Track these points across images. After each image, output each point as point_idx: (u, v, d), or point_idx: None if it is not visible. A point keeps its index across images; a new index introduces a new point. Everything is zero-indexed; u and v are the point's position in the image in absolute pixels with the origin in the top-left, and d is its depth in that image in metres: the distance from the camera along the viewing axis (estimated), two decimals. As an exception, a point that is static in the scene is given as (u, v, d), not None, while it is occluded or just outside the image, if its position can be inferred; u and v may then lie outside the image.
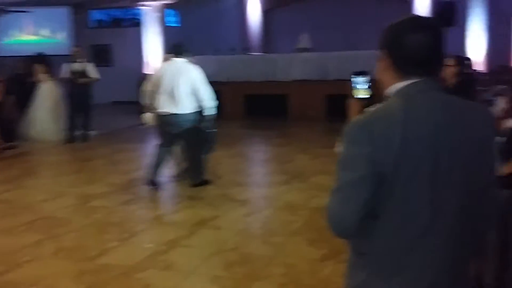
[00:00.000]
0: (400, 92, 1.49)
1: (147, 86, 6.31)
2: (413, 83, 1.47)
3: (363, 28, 13.64)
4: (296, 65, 12.14)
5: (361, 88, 1.82)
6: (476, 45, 12.22)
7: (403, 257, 1.45)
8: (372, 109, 1.53)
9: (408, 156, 1.39)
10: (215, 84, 12.24)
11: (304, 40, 12.78)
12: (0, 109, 9.59)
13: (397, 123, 1.40)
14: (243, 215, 5.43)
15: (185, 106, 6.03)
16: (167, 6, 14.21)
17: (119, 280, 3.86)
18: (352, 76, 1.85)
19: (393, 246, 1.45)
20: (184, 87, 6.02)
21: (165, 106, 6.06)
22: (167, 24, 14.82)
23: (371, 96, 1.80)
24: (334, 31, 13.85)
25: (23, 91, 10.53)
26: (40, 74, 10.35)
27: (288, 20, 14.89)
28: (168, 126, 6.15)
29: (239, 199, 5.99)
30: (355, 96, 1.81)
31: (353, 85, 1.84)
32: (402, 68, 1.49)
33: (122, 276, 3.92)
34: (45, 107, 10.24)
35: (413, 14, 1.65)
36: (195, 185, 6.26)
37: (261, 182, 6.88)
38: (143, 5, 13.85)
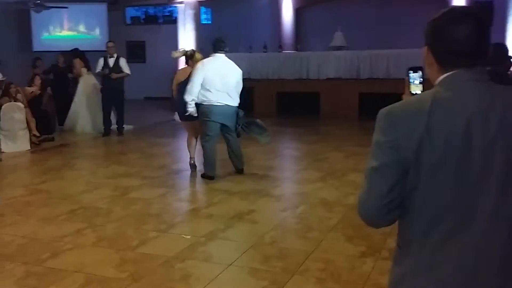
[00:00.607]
0: (439, 83, 1.48)
1: (194, 82, 6.31)
2: (452, 73, 1.45)
3: (397, 27, 13.54)
4: (329, 63, 12.11)
5: (416, 84, 1.83)
6: (515, 45, 11.95)
7: (433, 254, 1.41)
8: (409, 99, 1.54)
9: (432, 146, 1.36)
10: (248, 81, 12.40)
11: (338, 38, 12.72)
12: (38, 101, 9.83)
13: (423, 112, 1.38)
14: (279, 210, 5.46)
15: (235, 99, 6.42)
16: (202, 3, 14.31)
17: (160, 269, 3.93)
18: (409, 71, 1.86)
19: (422, 241, 1.42)
20: (233, 81, 6.36)
21: (220, 98, 6.30)
22: (202, 22, 14.93)
23: (423, 92, 1.81)
24: (367, 29, 13.75)
25: (62, 85, 10.80)
26: (80, 68, 10.59)
27: (320, 18, 14.84)
28: (221, 117, 6.35)
29: (274, 194, 6.01)
30: (411, 92, 1.82)
31: (410, 80, 1.85)
32: (444, 61, 1.47)
33: (162, 265, 3.99)
34: (84, 101, 10.49)
35: (453, 6, 1.61)
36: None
37: (295, 178, 6.89)
38: (178, 2, 13.96)
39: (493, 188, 1.37)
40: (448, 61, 1.46)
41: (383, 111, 1.47)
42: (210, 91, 6.26)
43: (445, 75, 1.47)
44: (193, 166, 6.97)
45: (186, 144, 7.09)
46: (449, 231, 1.39)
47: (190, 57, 6.79)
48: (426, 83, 1.76)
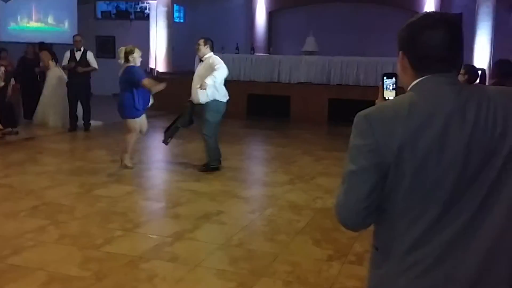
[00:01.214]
0: (413, 87, 1.49)
1: (216, 77, 6.59)
2: (426, 78, 1.46)
3: (367, 35, 13.72)
4: (300, 67, 12.17)
5: (390, 90, 1.86)
6: None
7: (413, 254, 1.42)
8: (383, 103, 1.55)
9: (413, 149, 1.37)
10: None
11: (310, 43, 12.80)
12: (2, 93, 9.56)
13: (402, 115, 1.39)
14: (247, 212, 5.44)
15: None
16: (175, 1, 14.21)
17: (125, 269, 3.86)
18: (384, 77, 1.88)
19: (399, 242, 1.43)
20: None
21: (226, 95, 6.87)
22: (175, 20, 14.82)
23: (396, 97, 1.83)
24: (339, 35, 13.88)
25: (29, 77, 10.53)
26: (48, 61, 10.35)
27: (293, 22, 14.91)
28: (223, 113, 6.90)
29: (243, 196, 6.00)
30: (385, 97, 1.84)
31: (384, 86, 1.87)
32: (419, 66, 1.48)
33: (127, 265, 3.92)
34: (50, 94, 10.25)
35: (427, 12, 1.63)
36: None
37: (264, 180, 6.88)
38: (151, -1, 13.84)
39: (473, 187, 1.39)
40: (422, 66, 1.47)
41: (361, 114, 1.45)
42: (222, 88, 6.77)
43: (419, 79, 1.48)
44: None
45: (128, 144, 6.93)
46: (429, 230, 1.40)
47: (130, 53, 6.72)
48: (399, 89, 1.78)
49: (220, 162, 7.05)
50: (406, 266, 1.43)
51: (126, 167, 6.87)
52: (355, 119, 1.46)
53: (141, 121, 6.97)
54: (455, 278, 1.41)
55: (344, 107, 11.50)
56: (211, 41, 6.90)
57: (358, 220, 1.47)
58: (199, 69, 6.88)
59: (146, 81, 6.74)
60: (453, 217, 1.40)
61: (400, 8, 13.75)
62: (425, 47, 1.45)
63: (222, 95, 6.82)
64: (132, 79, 6.63)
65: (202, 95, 6.65)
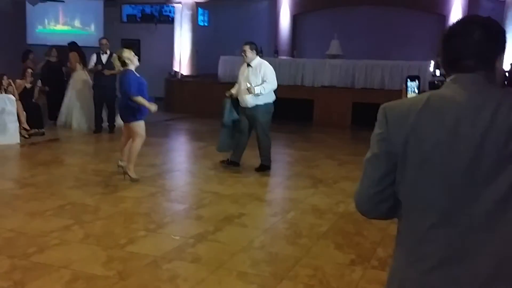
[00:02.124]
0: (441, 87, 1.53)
1: (266, 90, 6.84)
2: (452, 77, 1.50)
3: (393, 39, 13.60)
4: (324, 71, 12.13)
5: (413, 92, 1.87)
6: None
7: (417, 246, 1.44)
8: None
9: (418, 142, 1.41)
10: (242, 84, 12.36)
11: (334, 46, 12.75)
12: (29, 95, 9.74)
13: (415, 109, 1.44)
14: (269, 215, 5.44)
15: None
16: (200, 5, 14.30)
17: (147, 269, 3.88)
18: (407, 79, 1.90)
19: (409, 234, 1.47)
20: None
21: (273, 96, 7.13)
22: (199, 23, 14.92)
23: None
24: (364, 39, 13.80)
25: (55, 79, 10.70)
26: (75, 63, 10.51)
27: (318, 25, 14.87)
28: (272, 112, 7.18)
29: (265, 199, 6.00)
30: None
31: (408, 89, 1.88)
32: (449, 67, 1.53)
33: (150, 265, 3.95)
34: (76, 96, 10.41)
35: (463, 16, 1.67)
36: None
37: (287, 184, 6.87)
38: (176, 2, 13.95)
39: (479, 185, 1.38)
40: (451, 68, 1.52)
41: (381, 106, 1.53)
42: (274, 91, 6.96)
43: (448, 79, 1.53)
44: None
45: (133, 153, 6.40)
46: (433, 226, 1.42)
47: (122, 56, 6.38)
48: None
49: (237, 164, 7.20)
50: (415, 258, 1.46)
51: (131, 179, 6.33)
52: (378, 111, 1.55)
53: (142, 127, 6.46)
54: (463, 280, 1.39)
55: (368, 111, 11.40)
56: (255, 44, 6.97)
57: (370, 205, 1.54)
58: (247, 73, 6.89)
59: (138, 99, 6.18)
60: (461, 217, 1.39)
61: (426, 11, 13.62)
62: (453, 49, 1.50)
63: (270, 97, 7.00)
64: (124, 88, 6.27)
65: (250, 100, 6.71)
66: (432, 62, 11.75)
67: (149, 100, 6.37)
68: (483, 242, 1.38)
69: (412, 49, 12.98)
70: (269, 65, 7.02)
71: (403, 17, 13.87)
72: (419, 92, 1.83)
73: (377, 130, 1.51)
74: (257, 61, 6.91)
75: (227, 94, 7.07)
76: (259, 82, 6.80)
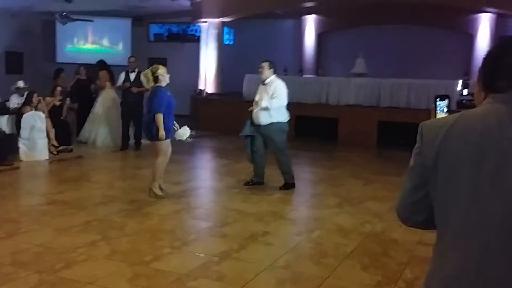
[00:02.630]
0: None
1: (273, 105, 6.83)
2: (489, 97, 1.53)
3: (420, 57, 13.53)
4: (349, 89, 12.10)
5: (442, 112, 1.86)
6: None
7: (442, 255, 1.49)
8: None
9: (446, 156, 1.47)
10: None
11: (359, 65, 12.74)
12: (58, 112, 9.94)
13: (447, 124, 1.50)
14: (294, 233, 5.41)
15: None
16: (225, 24, 14.47)
17: (172, 286, 3.89)
18: (437, 99, 1.89)
19: (437, 243, 1.53)
20: None
21: (287, 116, 7.06)
22: (224, 42, 15.08)
23: None
24: (389, 57, 13.77)
25: (84, 96, 10.91)
26: (105, 81, 10.71)
27: (343, 44, 14.90)
28: (286, 131, 7.14)
29: (290, 217, 5.97)
30: None
31: (437, 108, 1.87)
32: (486, 86, 1.56)
33: (175, 282, 3.95)
34: (104, 114, 10.58)
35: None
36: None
37: (312, 202, 6.83)
38: (202, 22, 14.14)
39: (500, 197, 1.40)
40: (488, 86, 1.55)
41: (422, 124, 1.61)
42: (283, 110, 6.94)
43: (488, 99, 1.56)
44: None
45: (157, 171, 6.45)
46: (456, 235, 1.46)
47: (156, 72, 6.42)
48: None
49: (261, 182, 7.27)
50: (438, 266, 1.51)
51: (156, 196, 6.37)
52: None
53: (168, 143, 6.49)
54: (477, 284, 1.40)
55: (394, 130, 11.34)
56: (273, 63, 7.03)
57: (405, 213, 1.63)
58: (261, 92, 6.96)
59: (161, 119, 6.20)
60: (477, 228, 1.42)
61: (452, 30, 13.53)
62: (492, 69, 1.55)
63: (283, 116, 6.95)
64: (153, 105, 6.28)
65: (262, 117, 6.76)
66: (460, 81, 11.64)
67: (172, 119, 6.46)
68: (503, 253, 1.40)
69: (438, 68, 12.90)
70: (282, 82, 7.00)
71: (429, 36, 13.80)
72: (448, 112, 1.82)
73: (416, 145, 1.59)
74: (271, 79, 6.94)
75: (249, 110, 7.10)
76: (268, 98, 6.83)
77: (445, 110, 1.86)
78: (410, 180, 1.58)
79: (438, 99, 1.87)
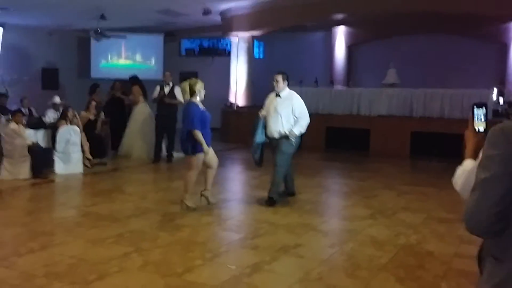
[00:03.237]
0: None
1: (303, 127, 6.85)
2: None
3: (452, 66, 13.31)
4: (380, 100, 11.99)
5: (480, 120, 1.80)
6: None
7: (500, 262, 1.50)
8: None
9: None
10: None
11: (391, 75, 12.61)
12: (93, 126, 10.13)
13: None
14: (326, 245, 5.33)
15: None
16: (255, 37, 14.55)
17: (204, 298, 3.87)
18: (474, 107, 1.82)
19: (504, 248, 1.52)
20: None
21: None
22: (255, 55, 15.16)
23: (486, 129, 1.77)
24: (421, 67, 13.59)
25: (117, 111, 11.10)
26: (139, 96, 10.90)
27: (373, 55, 14.79)
28: (298, 145, 6.95)
29: (322, 229, 5.89)
30: (475, 128, 1.78)
31: (475, 117, 1.81)
32: None
33: (207, 294, 3.93)
34: (139, 128, 10.75)
35: None
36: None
37: (344, 214, 6.74)
38: (232, 36, 14.25)
39: None
40: None
41: (497, 127, 1.56)
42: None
43: None
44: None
45: (188, 183, 6.51)
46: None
47: (194, 86, 6.44)
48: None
49: (288, 194, 7.21)
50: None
51: (187, 208, 6.42)
52: (491, 132, 1.57)
53: (210, 156, 6.48)
54: None
55: (427, 140, 11.15)
56: (287, 75, 6.95)
57: (487, 225, 1.55)
58: (276, 104, 6.82)
59: (198, 135, 6.24)
60: None
61: (484, 38, 13.27)
62: None
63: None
64: (187, 121, 6.31)
65: (278, 131, 6.71)
66: (495, 90, 11.37)
67: (209, 132, 6.43)
68: None
69: (471, 77, 12.66)
70: (299, 96, 6.90)
71: (461, 45, 13.58)
72: (487, 120, 1.77)
73: (493, 151, 1.53)
74: (286, 91, 6.84)
75: (260, 114, 6.90)
76: (289, 113, 6.70)
77: (482, 118, 1.80)
78: (495, 190, 1.51)
79: (475, 107, 1.81)
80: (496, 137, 1.54)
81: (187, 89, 6.37)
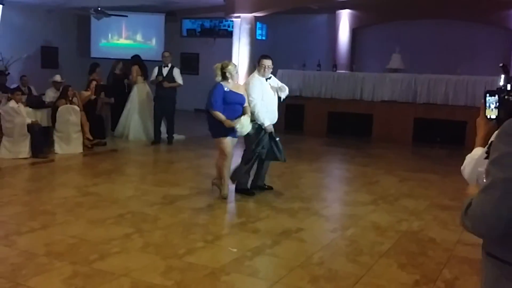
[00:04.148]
0: None
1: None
2: None
3: (458, 52, 13.19)
4: (384, 85, 11.88)
5: (492, 108, 1.75)
6: None
7: None
8: None
9: None
10: (299, 99, 12.33)
11: (395, 60, 12.49)
12: (93, 106, 10.04)
13: None
14: (328, 230, 5.30)
15: None
16: (258, 18, 14.39)
17: (206, 280, 3.84)
18: (486, 95, 1.77)
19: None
20: None
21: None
22: (257, 37, 15.01)
23: (498, 116, 1.72)
24: (426, 52, 13.47)
25: (118, 91, 11.00)
26: (137, 76, 10.77)
27: (378, 39, 14.65)
28: None
29: (324, 214, 5.86)
30: (487, 116, 1.73)
31: (487, 104, 1.76)
32: None
33: (208, 276, 3.90)
34: (137, 109, 10.65)
35: None
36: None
37: (346, 199, 6.71)
38: (235, 17, 14.09)
39: None
40: None
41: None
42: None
43: None
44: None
45: (220, 170, 6.27)
46: None
47: (225, 68, 6.14)
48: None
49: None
50: None
51: (225, 197, 6.19)
52: (504, 127, 1.44)
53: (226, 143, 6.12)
54: None
55: (430, 127, 11.08)
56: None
57: (500, 226, 1.42)
58: (269, 89, 6.40)
59: (216, 113, 5.96)
60: None
61: (491, 24, 13.13)
62: None
63: None
64: (208, 100, 6.10)
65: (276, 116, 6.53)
66: (503, 77, 11.26)
67: (234, 115, 6.01)
68: None
69: (477, 63, 12.54)
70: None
71: (467, 31, 13.43)
72: (499, 108, 1.71)
73: (506, 149, 1.41)
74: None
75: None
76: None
77: (495, 106, 1.75)
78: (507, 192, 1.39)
79: (487, 95, 1.76)
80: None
81: (218, 72, 6.09)
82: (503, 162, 1.41)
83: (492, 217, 1.42)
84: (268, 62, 6.34)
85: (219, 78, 6.11)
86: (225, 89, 6.02)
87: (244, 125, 5.94)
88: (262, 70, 6.33)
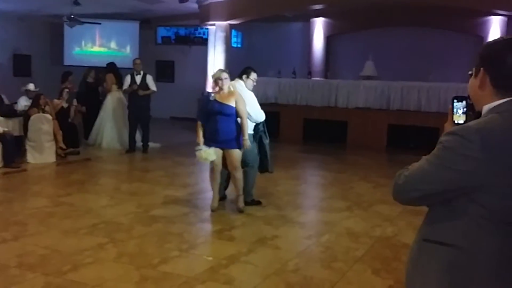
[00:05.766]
0: (496, 109, 1.52)
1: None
2: (510, 100, 1.49)
3: (430, 60, 13.40)
4: (358, 92, 12.01)
5: (459, 114, 1.79)
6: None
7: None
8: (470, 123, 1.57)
9: (495, 167, 1.44)
10: (275, 106, 12.37)
11: (369, 68, 12.64)
12: (65, 114, 9.91)
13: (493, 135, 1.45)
14: (303, 237, 5.33)
15: None
16: (233, 26, 14.42)
17: (180, 290, 3.82)
18: (454, 100, 1.82)
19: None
20: None
21: None
22: (232, 45, 15.04)
23: (465, 122, 1.77)
24: (399, 60, 13.65)
25: (91, 99, 10.89)
26: (111, 84, 10.68)
27: (352, 46, 14.81)
28: None
29: (299, 221, 5.89)
30: (454, 121, 1.78)
31: (454, 110, 1.80)
32: (502, 85, 1.51)
33: (183, 286, 3.89)
34: (111, 116, 10.55)
35: None
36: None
37: (321, 206, 6.75)
38: (210, 24, 14.10)
39: None
40: (505, 86, 1.50)
41: (474, 128, 1.52)
42: None
43: (504, 101, 1.51)
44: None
45: (235, 179, 6.12)
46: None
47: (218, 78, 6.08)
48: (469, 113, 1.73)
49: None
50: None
51: (213, 209, 6.03)
52: (448, 133, 1.57)
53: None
54: None
55: (404, 133, 11.23)
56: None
57: (410, 197, 1.68)
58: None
59: (196, 125, 6.00)
60: None
61: (463, 32, 13.40)
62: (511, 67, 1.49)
63: None
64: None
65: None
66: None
67: (213, 127, 5.86)
68: None
69: (449, 70, 12.76)
70: None
71: (439, 38, 13.67)
72: (466, 113, 1.75)
73: (462, 149, 1.49)
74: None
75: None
76: None
77: (462, 111, 1.79)
78: (439, 181, 1.54)
79: (455, 101, 1.80)
80: (469, 136, 1.50)
81: (213, 82, 6.06)
82: (443, 155, 1.53)
83: (400, 187, 1.62)
84: (256, 76, 6.34)
85: (215, 88, 5.99)
86: (211, 98, 5.93)
87: (209, 155, 5.80)
88: (251, 82, 6.32)
